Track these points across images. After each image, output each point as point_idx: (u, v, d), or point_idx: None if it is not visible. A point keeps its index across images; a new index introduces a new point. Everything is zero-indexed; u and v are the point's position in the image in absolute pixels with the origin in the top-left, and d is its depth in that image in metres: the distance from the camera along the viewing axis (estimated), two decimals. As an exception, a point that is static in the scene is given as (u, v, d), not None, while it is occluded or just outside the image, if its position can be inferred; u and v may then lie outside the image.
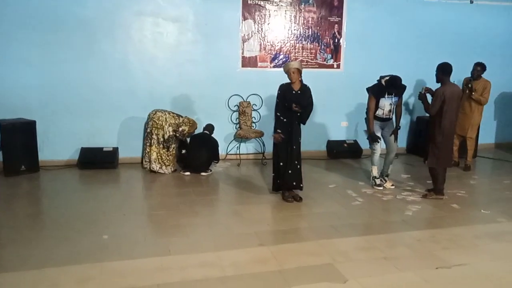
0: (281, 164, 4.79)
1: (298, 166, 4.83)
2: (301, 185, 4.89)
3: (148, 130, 5.98)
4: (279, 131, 4.73)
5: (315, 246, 3.69)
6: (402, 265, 3.38)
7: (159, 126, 5.89)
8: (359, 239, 3.93)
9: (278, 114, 4.74)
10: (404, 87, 5.33)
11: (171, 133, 5.93)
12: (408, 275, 3.21)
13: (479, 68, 6.34)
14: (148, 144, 5.98)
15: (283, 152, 4.77)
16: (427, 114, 5.11)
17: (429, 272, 3.26)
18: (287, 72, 4.67)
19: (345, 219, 4.39)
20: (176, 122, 5.98)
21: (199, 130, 6.32)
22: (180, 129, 5.96)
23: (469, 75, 6.43)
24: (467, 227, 4.26)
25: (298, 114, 4.72)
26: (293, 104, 4.61)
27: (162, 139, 5.90)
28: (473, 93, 6.29)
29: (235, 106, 6.72)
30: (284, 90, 4.72)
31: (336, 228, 4.13)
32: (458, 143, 6.58)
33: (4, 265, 3.23)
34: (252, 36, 6.65)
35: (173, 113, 6.08)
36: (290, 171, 4.76)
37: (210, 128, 6.26)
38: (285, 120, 4.72)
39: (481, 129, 6.89)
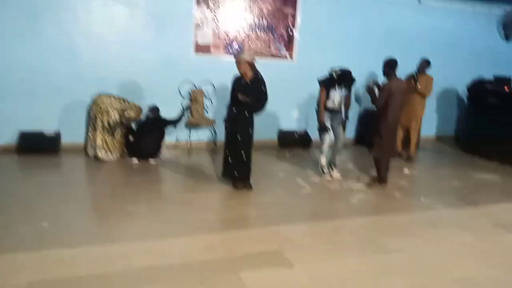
0: (227, 151, 4.82)
1: (243, 157, 4.78)
2: (246, 176, 4.86)
3: (92, 115, 5.73)
4: (224, 119, 4.80)
5: (263, 233, 3.74)
6: (346, 250, 3.51)
7: (103, 111, 5.65)
8: (306, 226, 4.03)
9: (230, 103, 4.73)
10: (353, 80, 5.49)
11: (116, 118, 5.71)
12: (350, 260, 3.34)
13: (425, 63, 6.68)
14: (91, 129, 5.74)
15: (229, 141, 4.80)
16: (374, 107, 5.30)
17: (370, 257, 3.40)
18: (244, 62, 4.64)
19: (293, 207, 4.48)
20: (122, 107, 5.77)
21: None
22: (125, 113, 5.76)
23: (414, 70, 6.73)
24: (407, 214, 4.49)
25: (249, 104, 4.71)
26: (239, 94, 4.61)
27: (107, 125, 5.67)
28: (417, 85, 6.60)
29: (187, 93, 6.60)
30: (235, 80, 4.74)
31: (284, 215, 4.19)
32: (402, 135, 6.89)
33: None
34: (205, 23, 6.54)
35: (119, 97, 5.86)
36: (231, 160, 4.78)
37: (156, 110, 6.09)
38: (234, 110, 4.72)
39: (424, 122, 7.24)
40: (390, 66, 5.09)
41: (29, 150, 5.68)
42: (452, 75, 8.39)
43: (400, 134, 6.74)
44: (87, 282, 2.77)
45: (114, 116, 5.69)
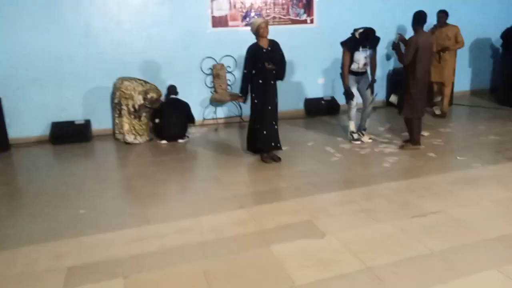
0: (258, 126, 4.73)
1: (276, 127, 4.77)
2: (279, 144, 4.85)
3: (116, 101, 5.78)
4: (240, 95, 4.73)
5: (294, 205, 3.71)
6: (379, 216, 3.43)
7: (128, 96, 5.69)
8: (337, 194, 3.96)
9: (250, 75, 4.62)
10: (378, 39, 5.25)
11: (141, 102, 5.75)
12: (384, 226, 3.26)
13: (443, 14, 6.37)
14: (117, 115, 5.80)
15: (259, 113, 4.70)
16: (401, 64, 5.07)
17: (405, 222, 3.31)
18: (256, 29, 4.53)
19: (323, 176, 4.41)
20: (144, 89, 5.78)
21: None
22: (149, 96, 5.78)
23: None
24: (443, 174, 4.33)
25: (274, 72, 4.62)
26: (265, 62, 4.50)
27: (132, 109, 5.72)
28: (446, 51, 6.33)
29: (208, 69, 6.54)
30: (254, 51, 4.58)
31: (314, 185, 4.14)
32: (434, 90, 6.63)
33: (-22, 247, 3.17)
34: (220, -6, 6.38)
35: (139, 80, 5.87)
36: (265, 132, 4.70)
37: (175, 89, 6.06)
38: (260, 81, 4.61)
39: (457, 76, 6.90)
40: (417, 19, 4.80)
41: (62, 139, 5.84)
42: (484, 23, 7.88)
43: (434, 90, 6.57)
44: (125, 264, 2.85)
45: (139, 99, 5.72)
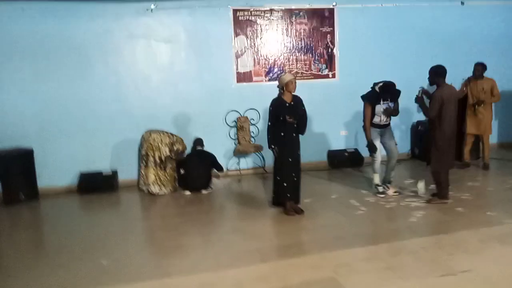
0: (278, 178, 4.77)
1: (295, 179, 4.78)
2: (297, 198, 4.84)
3: (143, 152, 5.96)
4: (273, 146, 4.74)
5: (318, 259, 3.62)
6: (406, 274, 3.30)
7: (155, 148, 5.86)
8: (362, 249, 3.86)
9: (273, 128, 4.72)
10: (398, 92, 5.31)
11: (167, 153, 5.90)
12: (411, 284, 3.13)
13: (480, 67, 6.39)
14: (143, 166, 5.95)
15: (280, 165, 4.75)
16: (426, 118, 5.06)
17: (433, 280, 3.17)
18: (285, 84, 4.65)
19: (348, 230, 4.32)
20: (171, 141, 5.95)
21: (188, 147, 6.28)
22: (175, 148, 5.94)
23: (462, 75, 6.45)
24: (472, 231, 4.16)
25: (295, 125, 4.70)
26: (287, 116, 4.60)
27: (159, 160, 5.87)
28: (481, 105, 6.36)
29: (232, 122, 6.70)
30: (277, 104, 4.71)
31: (338, 239, 4.05)
32: (471, 144, 6.56)
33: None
34: (245, 51, 6.67)
35: (166, 132, 6.06)
36: (285, 184, 4.72)
37: (201, 142, 6.21)
38: (282, 134, 4.70)
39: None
40: (438, 74, 4.84)
41: (89, 189, 5.99)
42: (508, 75, 7.86)
43: (469, 142, 6.58)
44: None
45: (165, 151, 5.88)
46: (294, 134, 4.75)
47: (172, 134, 6.07)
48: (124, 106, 6.28)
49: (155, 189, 5.84)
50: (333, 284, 3.16)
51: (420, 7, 7.30)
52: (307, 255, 3.78)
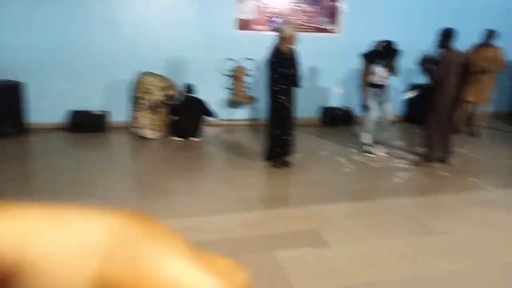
0: (277, 131, 4.76)
1: (293, 133, 4.80)
2: (291, 152, 4.86)
3: (137, 95, 5.87)
4: (283, 98, 4.60)
5: (302, 212, 3.71)
6: (386, 231, 3.41)
7: (148, 91, 5.77)
8: (346, 205, 3.95)
9: (276, 80, 4.63)
10: (397, 51, 5.21)
11: (160, 97, 5.82)
12: (391, 241, 3.24)
13: (488, 34, 6.27)
14: (137, 109, 5.89)
15: (284, 119, 4.72)
16: (425, 82, 5.02)
17: (412, 239, 3.28)
18: (288, 37, 4.51)
19: (333, 186, 4.40)
20: (165, 85, 5.85)
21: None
22: (167, 92, 5.85)
23: (471, 41, 6.32)
24: (454, 194, 4.27)
25: (293, 78, 4.63)
26: (290, 69, 4.52)
27: (152, 104, 5.80)
28: (485, 73, 6.28)
29: (228, 70, 6.58)
30: (277, 55, 4.59)
31: (324, 194, 4.13)
32: (466, 111, 6.57)
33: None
34: (247, -3, 6.42)
35: (161, 76, 5.94)
36: (285, 138, 4.74)
37: (191, 88, 6.04)
38: (282, 86, 4.62)
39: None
40: (447, 36, 4.75)
41: (79, 128, 5.93)
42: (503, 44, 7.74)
43: (467, 109, 6.54)
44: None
45: (160, 95, 5.79)
46: (291, 87, 4.68)
47: (166, 79, 5.95)
48: (118, 46, 6.08)
49: (146, 132, 5.81)
50: (315, 236, 3.26)
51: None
52: (292, 207, 3.86)
